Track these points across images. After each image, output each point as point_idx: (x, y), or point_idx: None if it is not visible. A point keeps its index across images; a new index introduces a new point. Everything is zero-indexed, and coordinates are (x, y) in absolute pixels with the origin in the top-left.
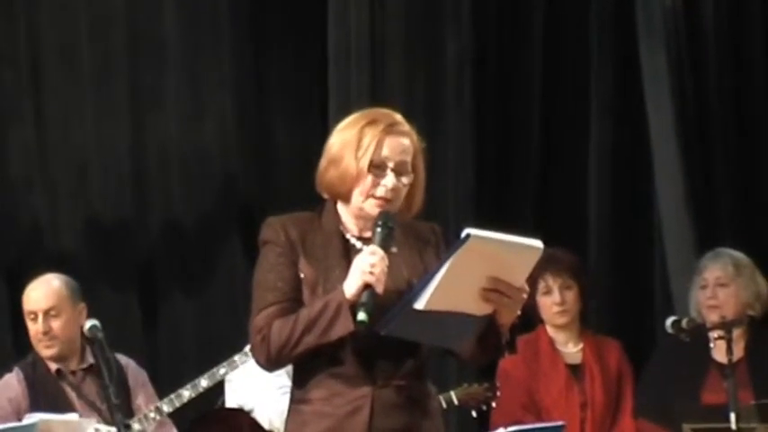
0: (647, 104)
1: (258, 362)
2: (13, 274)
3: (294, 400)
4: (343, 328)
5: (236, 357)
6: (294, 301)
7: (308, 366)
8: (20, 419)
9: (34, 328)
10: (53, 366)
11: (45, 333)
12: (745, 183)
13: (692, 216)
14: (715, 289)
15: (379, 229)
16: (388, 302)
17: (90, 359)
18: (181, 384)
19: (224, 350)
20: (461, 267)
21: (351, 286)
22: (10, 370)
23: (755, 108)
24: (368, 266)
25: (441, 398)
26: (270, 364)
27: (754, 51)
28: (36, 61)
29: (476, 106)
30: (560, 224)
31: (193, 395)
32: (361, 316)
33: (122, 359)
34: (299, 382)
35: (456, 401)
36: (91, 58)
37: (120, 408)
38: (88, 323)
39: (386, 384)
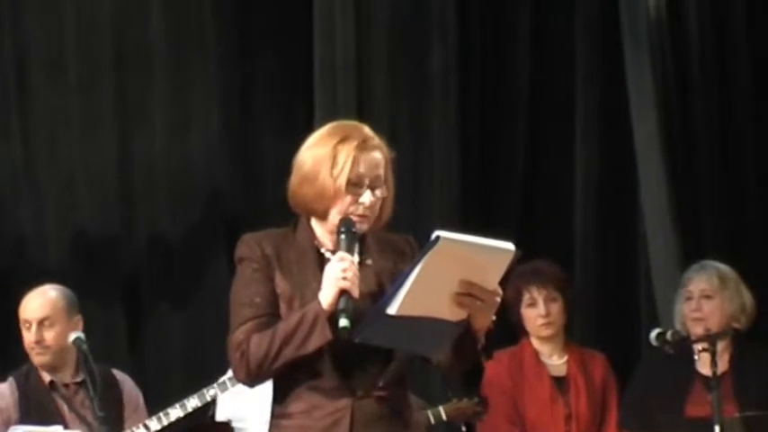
0: (632, 116)
1: (238, 378)
2: (0, 287)
3: (274, 416)
4: (320, 338)
5: (227, 379)
6: (271, 316)
7: (288, 381)
8: (6, 430)
9: (28, 337)
10: (47, 378)
11: (37, 342)
12: (731, 196)
13: (677, 228)
14: (700, 301)
15: (342, 236)
16: (363, 313)
17: (84, 372)
18: (167, 399)
19: (210, 365)
20: (433, 271)
21: (326, 296)
22: (4, 379)
23: (740, 121)
24: (340, 273)
25: (429, 413)
26: (250, 379)
27: (740, 64)
28: (22, 74)
29: (461, 119)
30: (545, 236)
31: (181, 414)
32: (344, 322)
33: (118, 375)
34: (278, 396)
35: (445, 417)
36: (77, 71)
37: (107, 421)
38: (73, 335)
39: (366, 395)
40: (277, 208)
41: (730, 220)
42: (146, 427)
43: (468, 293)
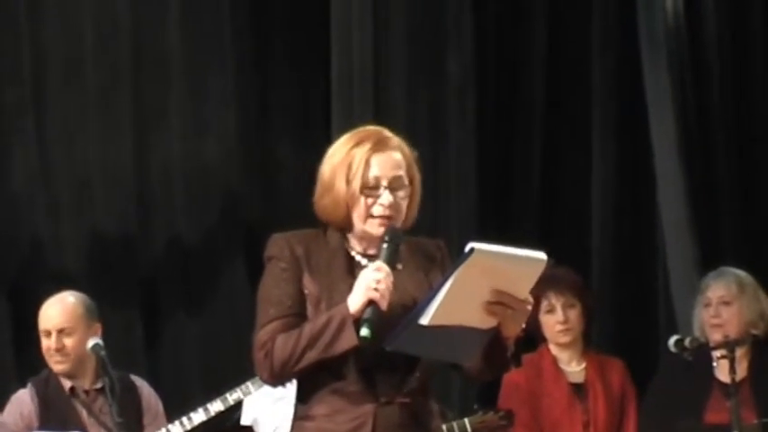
0: (651, 121)
1: (261, 377)
2: (16, 291)
3: (297, 417)
4: (346, 342)
5: (250, 383)
6: (298, 316)
7: (312, 382)
8: None
9: (47, 344)
10: (67, 384)
11: (57, 350)
12: (749, 202)
13: (695, 235)
14: (718, 308)
15: (385, 246)
16: (393, 319)
17: (105, 378)
18: (183, 401)
19: (227, 368)
20: (466, 281)
21: (355, 301)
22: (23, 385)
23: (759, 125)
24: (373, 282)
25: (454, 424)
26: (273, 378)
27: (758, 67)
28: (40, 78)
29: (478, 124)
30: (563, 242)
31: (204, 419)
32: (365, 332)
33: (137, 381)
34: (302, 397)
35: (470, 429)
36: (95, 75)
37: (125, 427)
38: (91, 341)
39: (389, 402)
40: (293, 212)
41: (748, 226)
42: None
43: (500, 302)
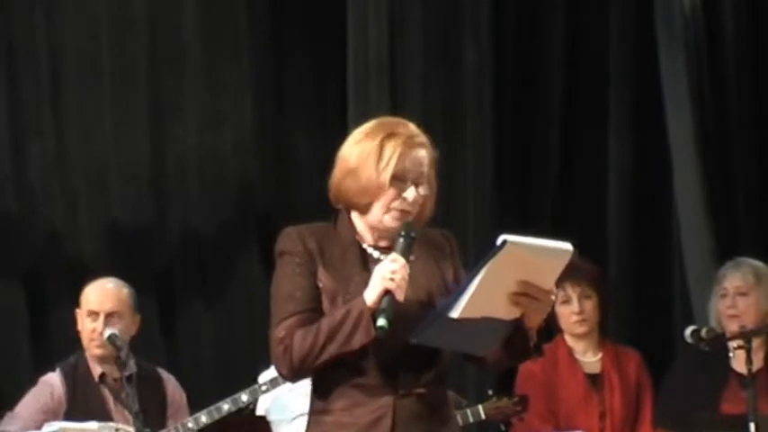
0: (667, 112)
1: (280, 373)
2: (32, 281)
3: (315, 411)
4: (365, 335)
5: (269, 380)
6: (314, 311)
7: (330, 377)
8: (57, 419)
9: (91, 326)
10: (97, 370)
11: (102, 334)
12: (765, 191)
13: (711, 225)
14: (735, 298)
15: (401, 239)
16: (406, 311)
17: (133, 368)
18: (199, 392)
19: (242, 358)
20: (496, 274)
21: (372, 293)
22: (44, 372)
23: None
24: (388, 273)
25: (468, 410)
26: (293, 374)
27: None
28: (56, 70)
29: (495, 114)
30: (579, 232)
31: (233, 408)
32: (381, 322)
33: (163, 374)
34: (319, 392)
35: (484, 415)
36: (111, 67)
37: (142, 416)
38: (107, 332)
39: (407, 393)
40: (308, 203)
41: (765, 216)
42: (196, 420)
43: (526, 293)
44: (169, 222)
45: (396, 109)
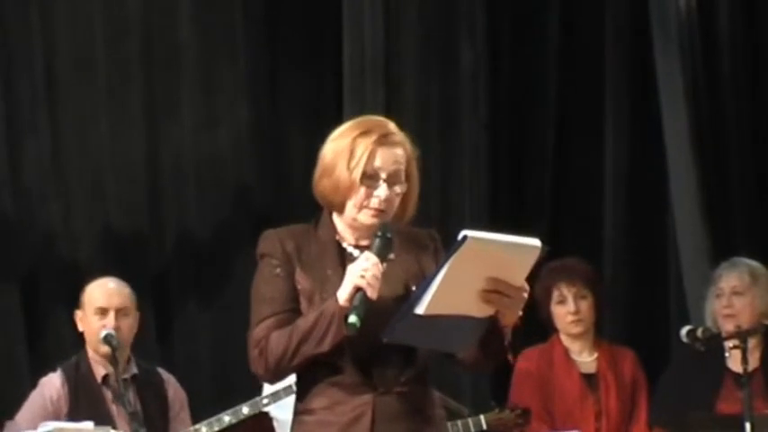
0: (663, 112)
1: (257, 373)
2: (28, 283)
3: (297, 412)
4: (336, 335)
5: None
6: (291, 312)
7: (309, 377)
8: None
9: (100, 323)
10: (101, 371)
11: (114, 330)
12: (761, 191)
13: (707, 225)
14: (731, 298)
15: (377, 240)
16: (385, 309)
17: (134, 369)
18: (196, 394)
19: (239, 360)
20: (460, 269)
21: (343, 292)
22: (38, 376)
23: None
24: (360, 270)
25: (469, 420)
26: (269, 375)
27: None
28: (51, 71)
29: (490, 115)
30: (575, 233)
31: (234, 420)
32: (352, 319)
33: (164, 374)
34: (301, 392)
35: (485, 426)
36: (106, 67)
37: (141, 416)
38: (103, 332)
39: (387, 391)
40: (305, 204)
41: (760, 216)
42: (209, 424)
43: (495, 290)
44: (166, 223)
45: (391, 109)
